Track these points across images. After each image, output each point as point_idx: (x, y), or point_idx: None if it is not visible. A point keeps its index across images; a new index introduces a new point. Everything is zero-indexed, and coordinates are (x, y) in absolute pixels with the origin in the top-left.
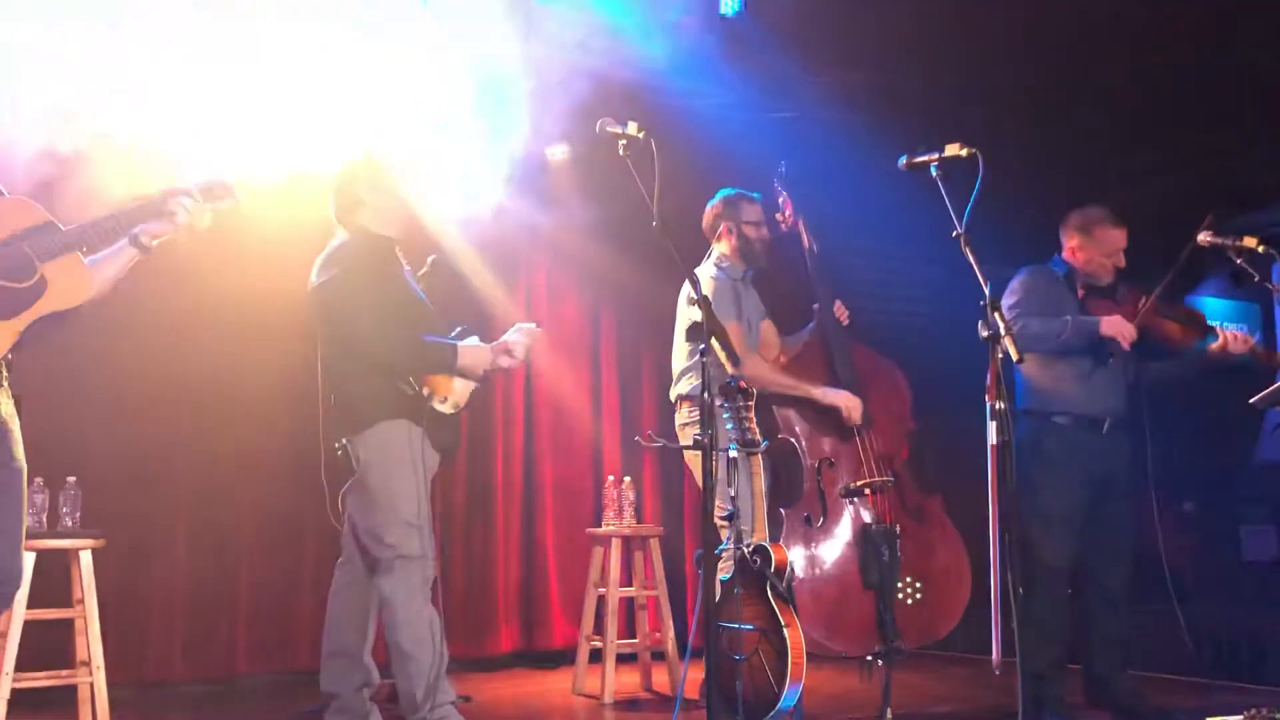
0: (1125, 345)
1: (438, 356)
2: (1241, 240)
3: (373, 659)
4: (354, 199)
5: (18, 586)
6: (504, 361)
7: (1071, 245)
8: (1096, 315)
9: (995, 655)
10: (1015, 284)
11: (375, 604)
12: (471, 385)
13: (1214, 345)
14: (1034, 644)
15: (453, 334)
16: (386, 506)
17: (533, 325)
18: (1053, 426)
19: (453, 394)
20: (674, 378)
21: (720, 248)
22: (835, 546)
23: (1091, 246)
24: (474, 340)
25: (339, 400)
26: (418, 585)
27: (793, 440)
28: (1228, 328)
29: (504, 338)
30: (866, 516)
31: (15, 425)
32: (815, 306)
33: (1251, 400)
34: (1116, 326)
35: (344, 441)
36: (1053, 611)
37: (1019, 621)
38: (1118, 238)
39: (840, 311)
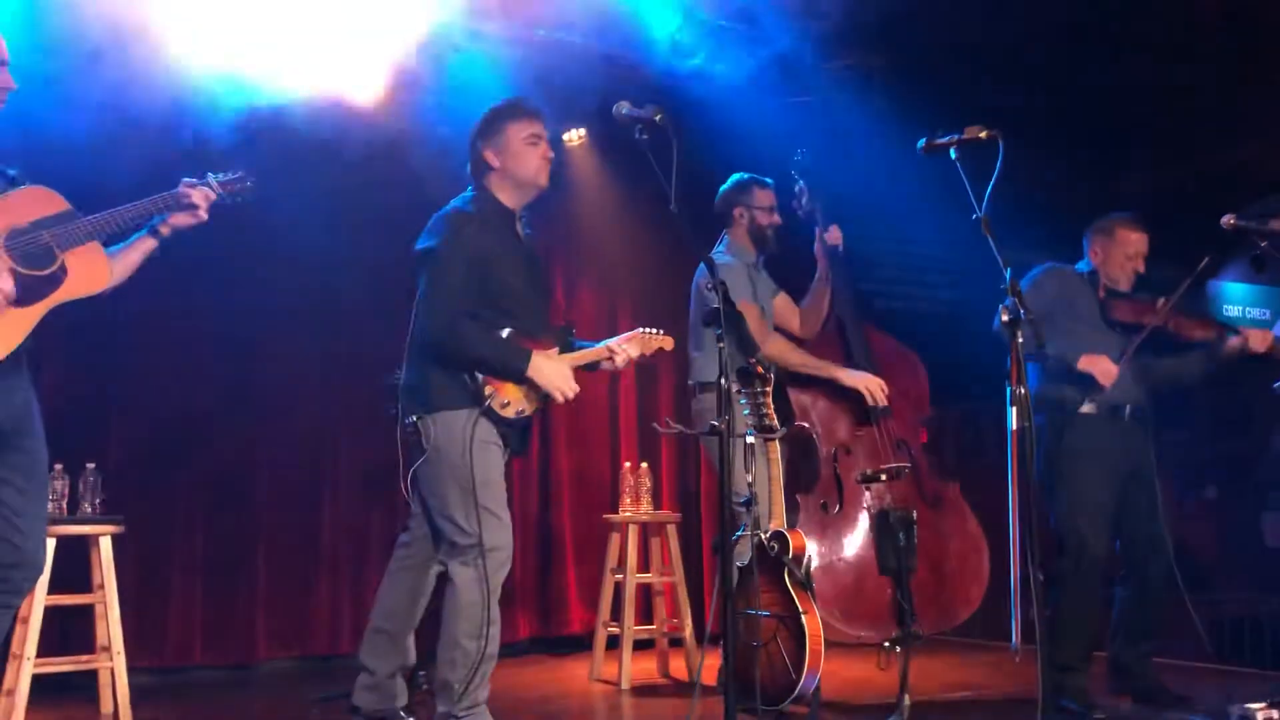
0: (1105, 383)
1: (503, 361)
2: (1267, 224)
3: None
4: (481, 159)
5: (40, 572)
6: (604, 365)
7: (1094, 247)
8: (1116, 315)
9: (1015, 642)
10: (1036, 278)
11: (427, 589)
12: (543, 394)
13: (1234, 340)
14: (1064, 634)
15: (555, 331)
16: (461, 490)
17: (654, 332)
18: (1077, 418)
19: (517, 399)
20: (690, 363)
21: (732, 233)
22: (852, 533)
23: (1112, 246)
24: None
25: (411, 375)
26: (494, 576)
27: (809, 427)
28: (1249, 314)
29: (612, 340)
30: (882, 502)
31: (36, 410)
32: (826, 289)
33: (1276, 385)
34: (1095, 364)
35: (414, 419)
36: (1086, 602)
37: (1050, 611)
38: (1138, 240)
39: (834, 235)
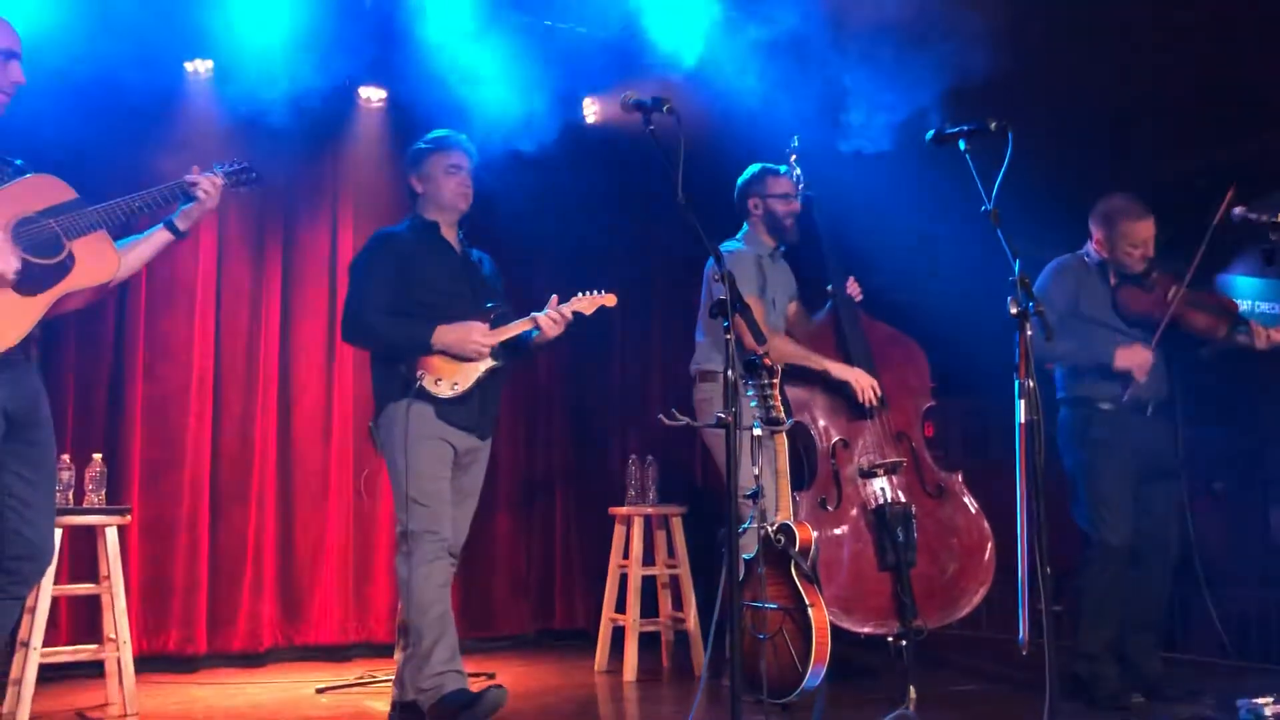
0: (1140, 377)
1: (407, 337)
2: (1277, 217)
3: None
4: (411, 188)
5: (48, 564)
6: (537, 337)
7: (1097, 237)
8: (1127, 304)
9: (1023, 635)
10: (1042, 281)
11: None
12: (481, 366)
13: (1243, 339)
14: (1087, 626)
15: (483, 312)
16: (397, 485)
17: (594, 292)
18: (1099, 413)
19: (450, 375)
20: (695, 351)
21: (750, 223)
22: (851, 528)
23: (1116, 239)
24: (506, 320)
25: (372, 384)
26: (425, 560)
27: (806, 422)
28: (1259, 307)
29: (538, 312)
30: (881, 497)
31: (45, 400)
32: (829, 288)
33: None
34: (1131, 359)
35: (371, 425)
36: (1110, 592)
37: (1074, 603)
38: (1143, 229)
39: (853, 287)
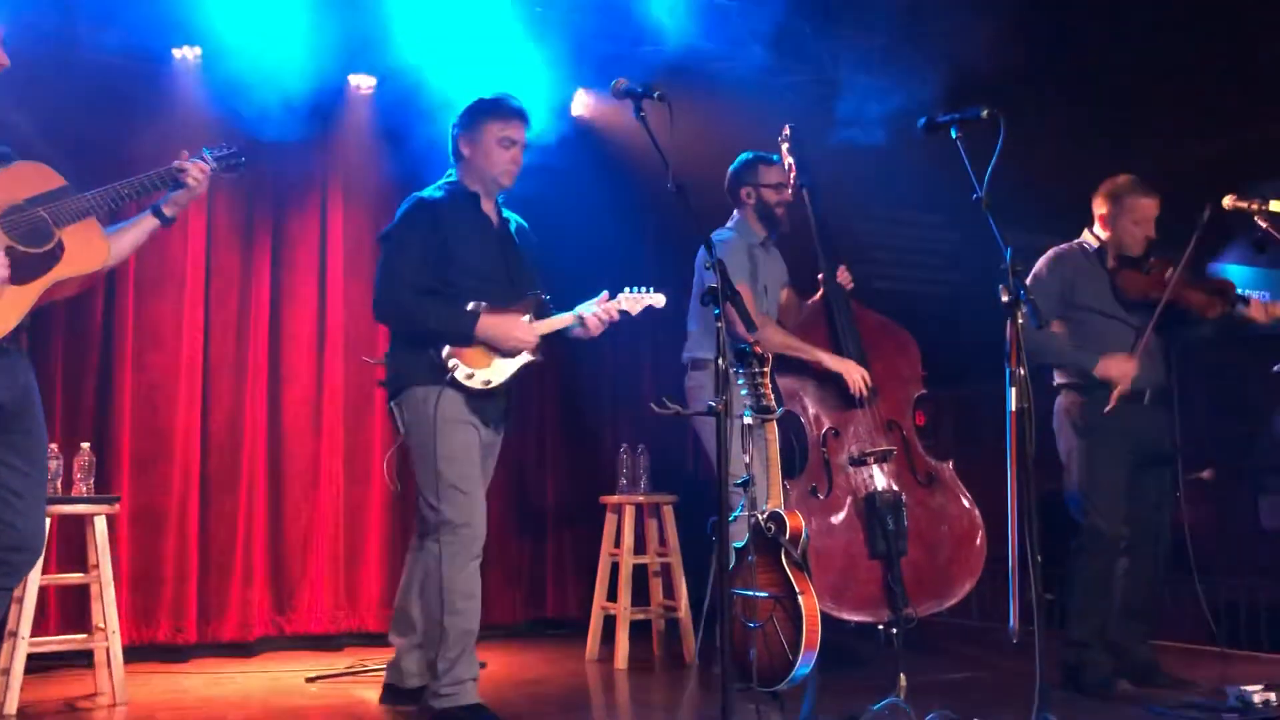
0: (1124, 385)
1: (451, 326)
2: (1267, 204)
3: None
4: (457, 148)
5: (39, 555)
6: (577, 331)
7: (1101, 214)
8: (1126, 286)
9: (1013, 623)
10: (1038, 269)
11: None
12: (517, 361)
13: (1242, 312)
14: (1077, 612)
15: (525, 300)
16: (430, 470)
17: (641, 290)
18: (1095, 399)
19: (485, 368)
20: (686, 339)
21: (740, 211)
22: (841, 517)
23: (1122, 215)
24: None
25: (387, 360)
26: (460, 552)
27: (797, 411)
28: (1252, 295)
29: (581, 306)
30: (872, 486)
31: (36, 392)
32: (820, 276)
33: (1276, 369)
34: (1113, 369)
35: (390, 403)
36: (1100, 579)
37: (1064, 589)
38: (1148, 206)
39: (843, 275)
